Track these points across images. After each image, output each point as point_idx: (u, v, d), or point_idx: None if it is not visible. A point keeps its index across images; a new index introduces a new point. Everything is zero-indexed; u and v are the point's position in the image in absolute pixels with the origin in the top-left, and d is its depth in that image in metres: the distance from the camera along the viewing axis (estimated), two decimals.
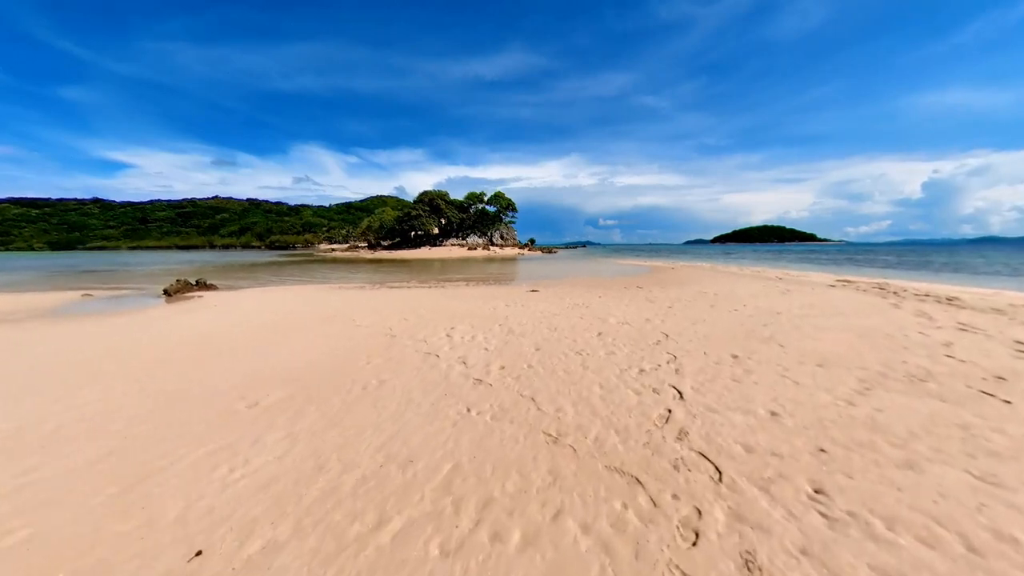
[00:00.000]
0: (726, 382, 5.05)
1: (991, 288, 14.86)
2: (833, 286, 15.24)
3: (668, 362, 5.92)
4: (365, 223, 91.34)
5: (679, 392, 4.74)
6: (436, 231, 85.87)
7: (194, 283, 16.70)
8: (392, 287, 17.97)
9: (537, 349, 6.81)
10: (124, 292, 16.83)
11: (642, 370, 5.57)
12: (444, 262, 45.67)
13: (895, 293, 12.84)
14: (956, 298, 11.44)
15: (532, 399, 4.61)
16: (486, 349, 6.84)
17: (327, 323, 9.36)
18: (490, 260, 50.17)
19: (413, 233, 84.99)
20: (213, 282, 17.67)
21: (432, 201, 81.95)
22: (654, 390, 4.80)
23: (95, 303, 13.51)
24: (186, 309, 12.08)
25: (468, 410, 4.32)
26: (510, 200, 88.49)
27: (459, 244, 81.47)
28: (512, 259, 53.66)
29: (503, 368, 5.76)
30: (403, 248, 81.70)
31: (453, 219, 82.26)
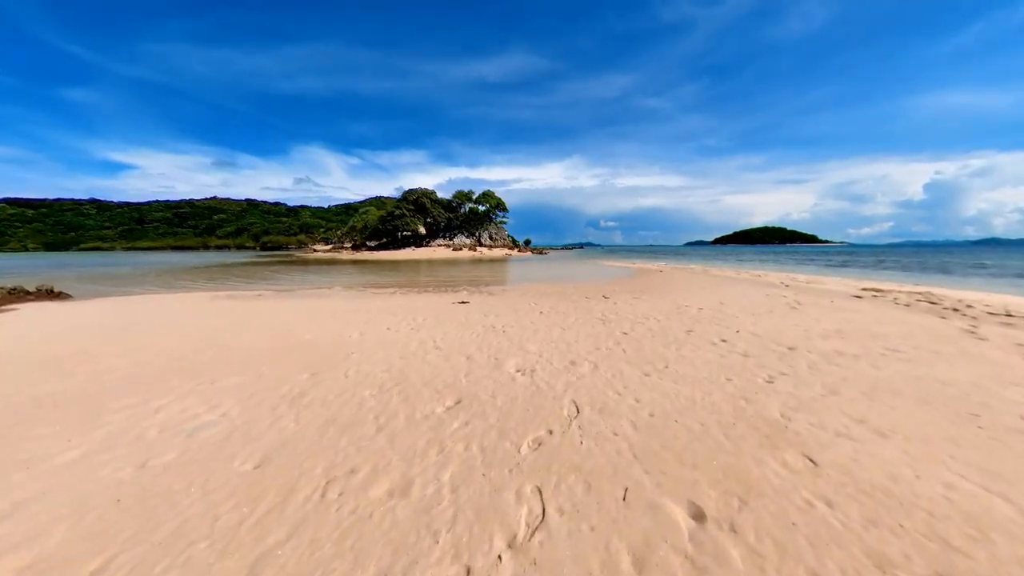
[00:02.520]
0: None
1: None
2: (859, 297, 11.41)
3: (502, 557, 2.12)
4: (350, 223, 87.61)
5: None
6: (423, 231, 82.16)
7: (32, 291, 12.96)
8: (301, 296, 14.17)
9: (258, 466, 3.00)
10: None
11: None
12: (416, 264, 41.88)
13: (955, 310, 9.01)
14: None
15: None
16: (141, 466, 3.04)
17: (54, 364, 5.57)
18: (470, 262, 46.38)
19: (400, 233, 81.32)
20: (65, 291, 13.92)
21: (418, 200, 78.21)
22: None
23: None
24: None
25: None
26: (499, 199, 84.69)
27: (445, 245, 77.70)
28: (494, 261, 49.83)
29: None
30: (389, 249, 78.01)
31: (440, 218, 78.47)
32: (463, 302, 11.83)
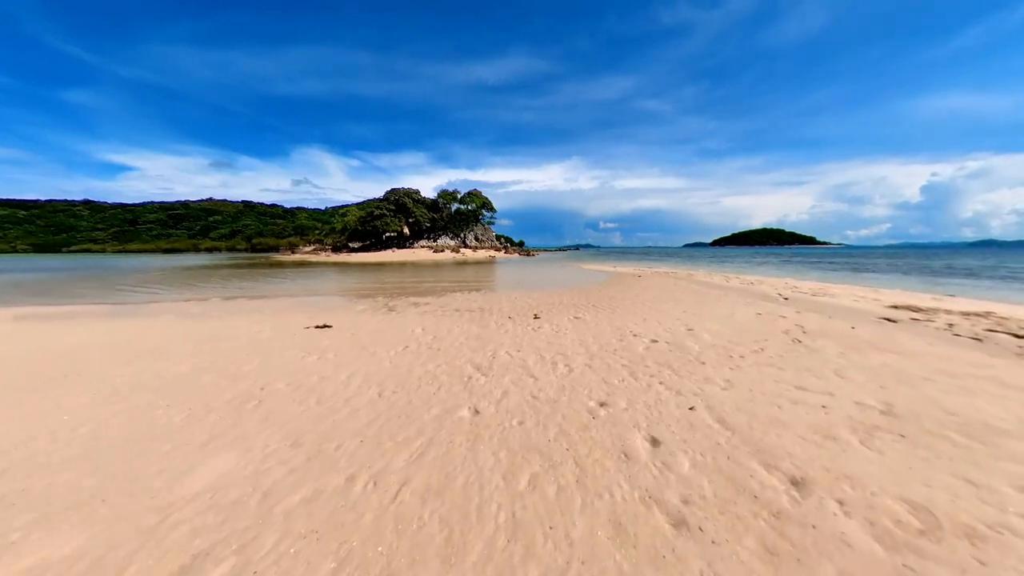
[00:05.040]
0: None
1: None
2: (891, 320, 7.84)
3: None
4: (330, 225, 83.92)
5: None
6: (407, 231, 78.57)
7: None
8: (132, 314, 10.60)
9: None
10: None
11: None
12: (381, 267, 38.25)
13: None
14: None
15: None
16: None
17: None
18: (441, 265, 42.80)
19: (385, 235, 77.68)
20: None
21: (399, 200, 74.54)
22: None
23: None
24: None
25: None
26: (486, 199, 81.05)
27: (429, 246, 74.06)
28: (469, 263, 46.24)
29: None
30: (371, 250, 74.43)
31: (422, 219, 74.76)
32: (324, 326, 8.26)
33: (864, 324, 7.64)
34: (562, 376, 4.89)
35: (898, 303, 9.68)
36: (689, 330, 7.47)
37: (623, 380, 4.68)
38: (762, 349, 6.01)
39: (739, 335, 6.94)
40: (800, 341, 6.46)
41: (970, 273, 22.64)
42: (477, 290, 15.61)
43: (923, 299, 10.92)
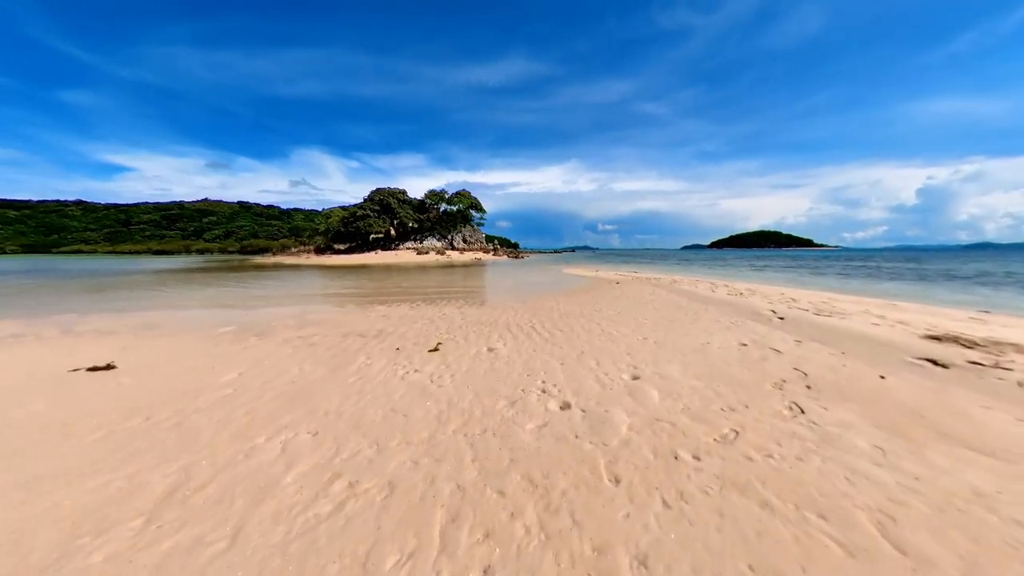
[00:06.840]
0: None
1: None
2: (939, 365, 5.26)
3: None
4: (313, 226, 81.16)
5: None
6: (393, 233, 75.91)
7: None
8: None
9: None
10: None
11: None
12: (353, 270, 35.61)
13: None
14: None
15: None
16: None
17: None
18: (418, 268, 40.20)
19: (372, 236, 75.02)
20: None
21: (383, 200, 71.82)
22: None
23: None
24: None
25: None
26: (475, 199, 78.39)
27: (414, 248, 71.41)
28: (453, 265, 43.63)
29: None
30: (358, 252, 71.80)
31: (407, 220, 72.04)
32: (107, 367, 5.66)
33: (898, 369, 5.06)
34: (297, 535, 2.29)
35: (934, 328, 7.07)
36: (633, 379, 4.89)
37: (404, 559, 2.09)
38: (736, 433, 3.43)
39: (706, 392, 4.37)
40: (802, 410, 3.89)
41: (986, 279, 20.13)
42: (411, 302, 12.99)
43: (960, 319, 8.34)
